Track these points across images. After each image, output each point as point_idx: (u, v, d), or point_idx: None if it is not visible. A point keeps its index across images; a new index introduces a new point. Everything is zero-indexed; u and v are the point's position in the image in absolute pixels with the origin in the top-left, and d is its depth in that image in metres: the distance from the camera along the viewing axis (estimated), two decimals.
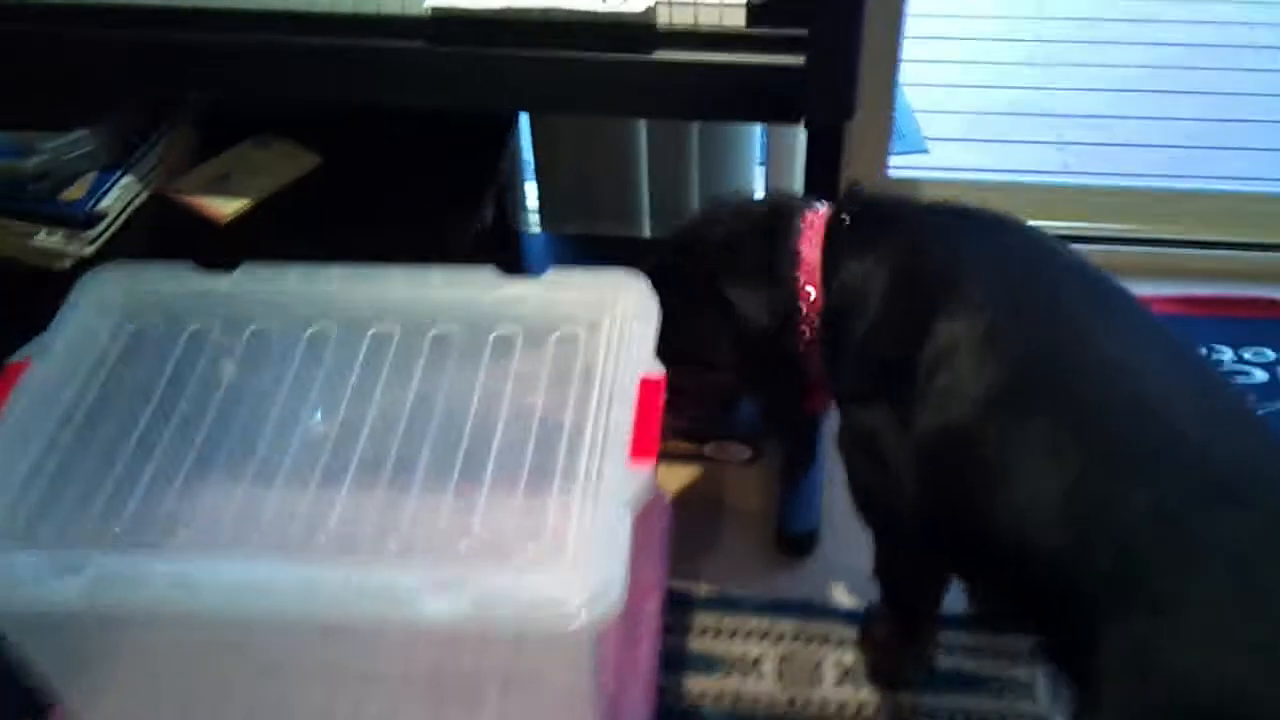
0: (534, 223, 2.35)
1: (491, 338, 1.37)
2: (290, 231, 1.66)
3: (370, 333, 1.39)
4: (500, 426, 1.28)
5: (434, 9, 1.39)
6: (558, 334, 1.37)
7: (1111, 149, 2.79)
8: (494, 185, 1.87)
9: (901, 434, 1.32)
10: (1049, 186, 2.49)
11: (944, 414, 1.26)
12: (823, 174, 1.59)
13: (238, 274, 1.43)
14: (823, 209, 1.47)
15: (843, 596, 1.78)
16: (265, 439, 1.29)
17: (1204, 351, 1.27)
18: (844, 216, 1.43)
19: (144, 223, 1.66)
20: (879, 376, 1.37)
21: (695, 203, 2.22)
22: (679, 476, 1.94)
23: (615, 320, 1.35)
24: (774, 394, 1.57)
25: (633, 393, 1.26)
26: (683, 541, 1.81)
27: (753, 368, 1.53)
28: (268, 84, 1.51)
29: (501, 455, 1.25)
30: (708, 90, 1.42)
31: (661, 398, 1.26)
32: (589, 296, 1.38)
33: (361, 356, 1.37)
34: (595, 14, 1.37)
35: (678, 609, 1.76)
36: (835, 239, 1.42)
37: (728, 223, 1.50)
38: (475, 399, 1.31)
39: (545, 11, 1.38)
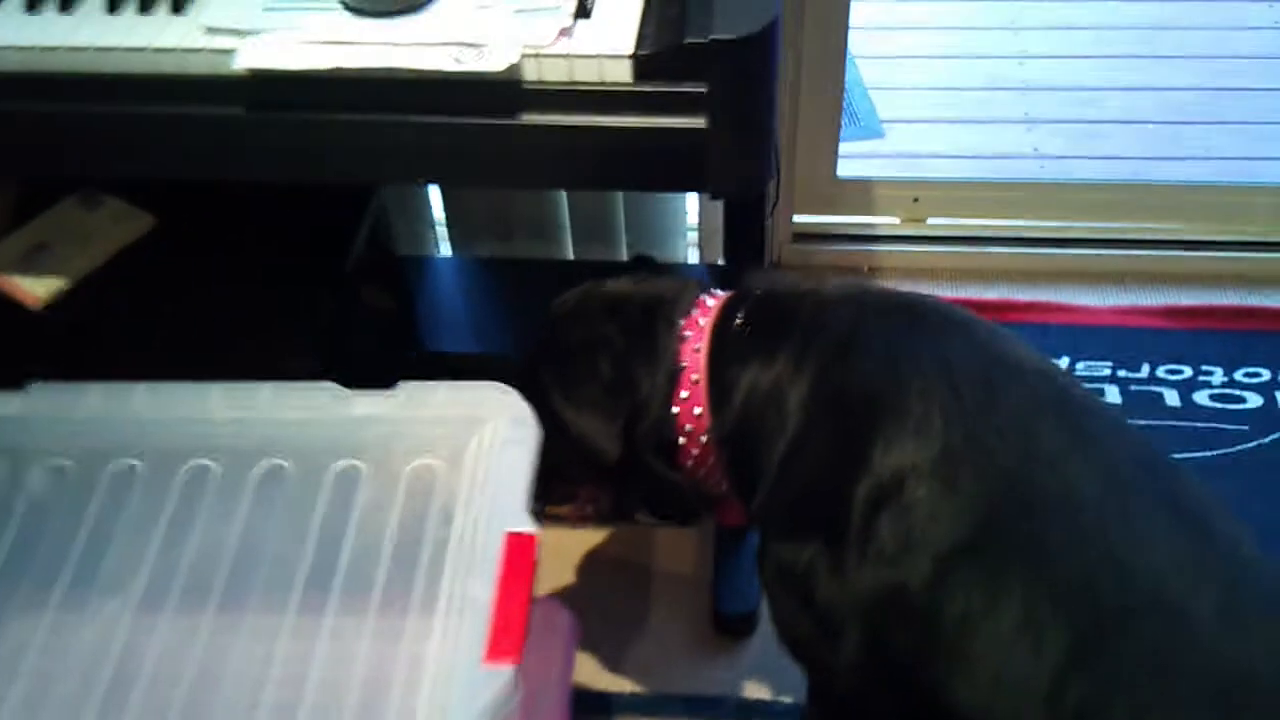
0: (442, 244, 2.09)
1: (330, 476, 1.13)
2: (118, 314, 1.40)
3: (185, 468, 1.14)
4: (331, 609, 1.04)
5: (250, 70, 1.12)
6: (411, 467, 1.12)
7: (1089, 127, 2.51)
8: (366, 215, 1.61)
9: (836, 579, 1.09)
10: (1017, 182, 2.23)
11: (890, 570, 1.04)
12: (742, 239, 1.35)
13: (29, 393, 1.18)
14: (715, 300, 1.21)
15: (784, 690, 1.56)
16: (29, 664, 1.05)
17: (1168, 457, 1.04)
18: (739, 314, 1.18)
19: None
20: (804, 509, 1.13)
21: (621, 218, 1.97)
22: (599, 537, 1.71)
23: (483, 448, 1.11)
24: (665, 511, 1.33)
25: (495, 555, 1.02)
26: (604, 616, 1.61)
27: (629, 490, 1.29)
28: (57, 161, 1.24)
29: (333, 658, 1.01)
30: (588, 157, 1.16)
31: (532, 559, 1.03)
32: (451, 416, 1.14)
33: (171, 506, 1.12)
34: (447, 74, 1.10)
35: (593, 713, 1.54)
36: (729, 340, 1.18)
37: (589, 320, 1.24)
38: (305, 563, 1.07)
39: (387, 71, 1.11)
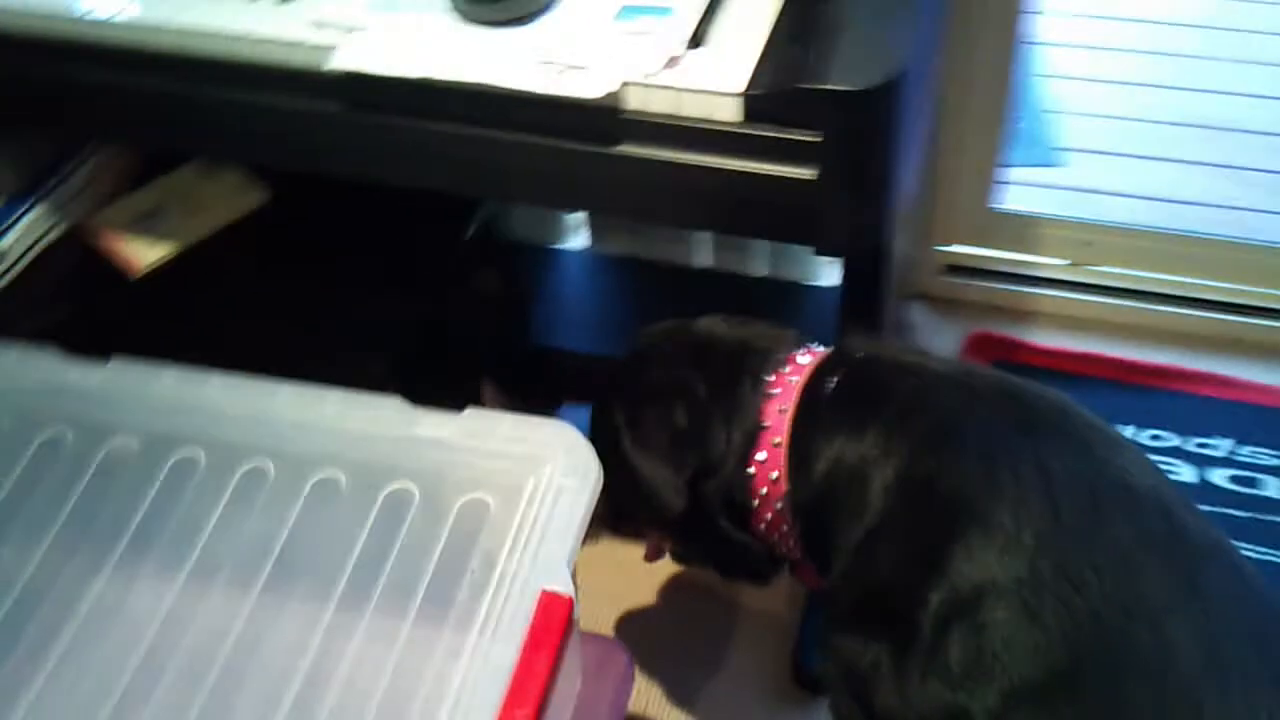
0: (580, 234, 2.03)
1: (383, 495, 1.09)
2: (213, 291, 1.39)
3: (242, 470, 1.12)
4: (359, 632, 1.00)
5: (341, 71, 1.08)
6: (463, 501, 1.07)
7: None
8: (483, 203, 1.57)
9: (898, 688, 1.00)
10: (1206, 238, 2.03)
11: (953, 694, 0.95)
12: (859, 300, 1.25)
13: (109, 368, 1.17)
14: (810, 358, 1.12)
15: None
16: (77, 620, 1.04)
17: None
18: (834, 378, 1.09)
19: (52, 269, 1.41)
20: (874, 605, 1.04)
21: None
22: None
23: (538, 492, 1.05)
24: (732, 572, 1.24)
25: (528, 613, 0.96)
26: (680, 647, 1.56)
27: (694, 546, 1.22)
28: (154, 135, 1.23)
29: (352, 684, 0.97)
30: (689, 196, 1.08)
31: (564, 621, 0.97)
32: (513, 451, 1.09)
33: (225, 500, 1.10)
34: (538, 95, 1.04)
35: None
36: (819, 405, 1.08)
37: (672, 361, 1.16)
38: (339, 585, 1.03)
39: (477, 86, 1.05)
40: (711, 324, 1.20)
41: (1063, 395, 1.08)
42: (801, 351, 1.16)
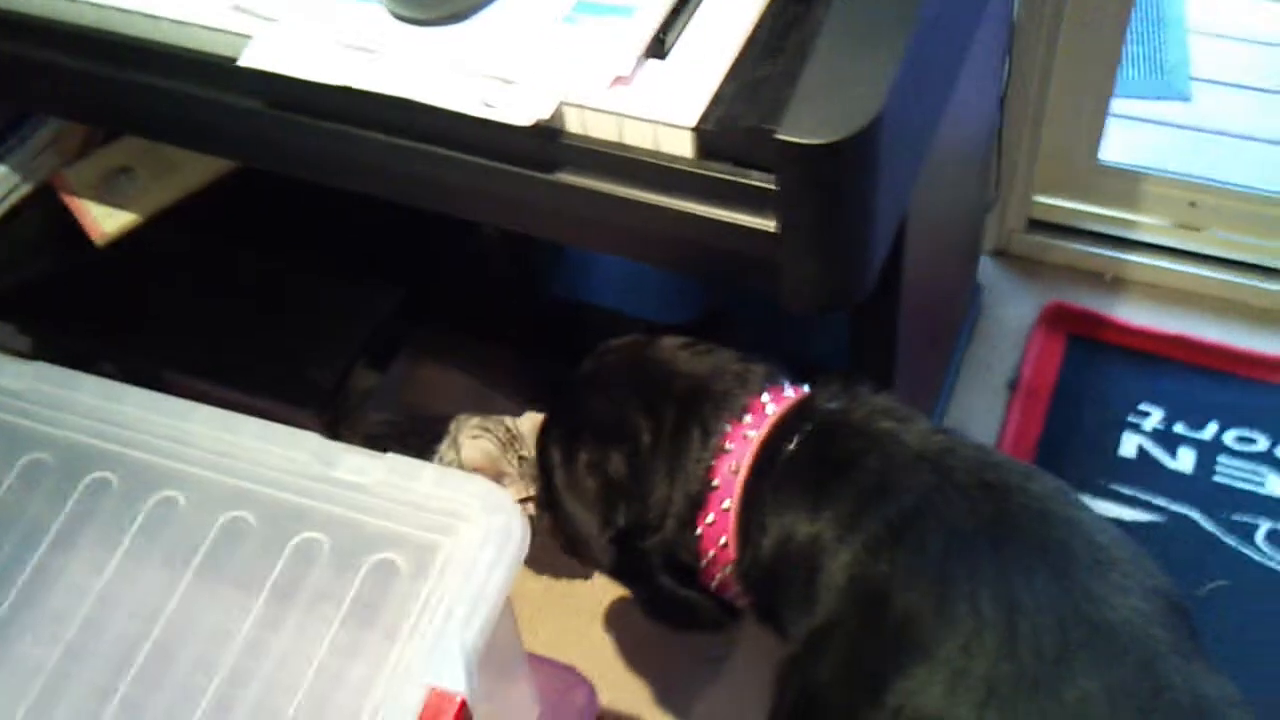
0: None
1: (291, 545, 1.00)
2: (176, 263, 1.30)
3: (155, 498, 1.03)
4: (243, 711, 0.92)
5: (250, 68, 0.95)
6: (374, 560, 0.98)
7: None
8: None
9: None
10: None
11: None
12: (869, 346, 1.10)
13: (32, 370, 1.10)
14: (775, 406, 0.98)
15: None
16: None
17: None
18: (797, 436, 0.95)
19: (19, 229, 1.33)
20: (814, 713, 0.92)
21: None
22: None
23: (451, 560, 0.95)
24: (681, 624, 1.13)
25: (414, 709, 0.87)
26: (679, 650, 1.46)
27: (637, 598, 1.11)
28: (84, 112, 1.13)
29: None
30: (638, 234, 0.93)
31: None
32: (431, 506, 0.98)
33: (133, 530, 1.02)
34: (466, 117, 0.89)
35: None
36: (776, 468, 0.95)
37: (619, 394, 1.03)
38: (231, 652, 0.95)
39: (400, 101, 0.91)
40: (673, 351, 1.06)
41: (1052, 484, 0.92)
42: (769, 394, 1.01)
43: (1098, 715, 0.79)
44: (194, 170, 1.33)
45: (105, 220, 1.29)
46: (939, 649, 0.83)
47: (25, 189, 1.33)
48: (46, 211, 1.33)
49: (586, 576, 1.55)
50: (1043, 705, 0.80)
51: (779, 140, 0.80)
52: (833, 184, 0.82)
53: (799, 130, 0.79)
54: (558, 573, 1.57)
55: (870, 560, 0.89)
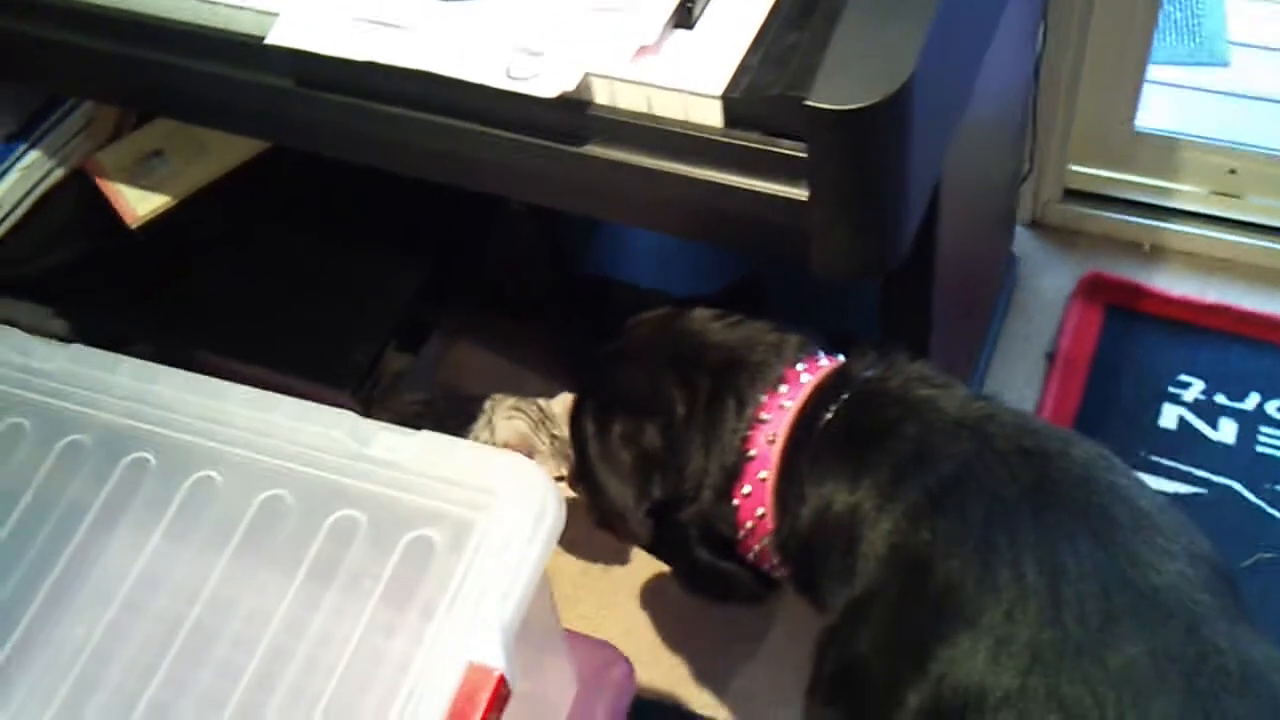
0: None
1: (328, 522, 1.00)
2: (208, 247, 1.30)
3: (191, 479, 1.04)
4: (280, 693, 0.93)
5: (276, 46, 0.95)
6: (410, 537, 0.98)
7: None
8: None
9: None
10: None
11: None
12: (902, 317, 1.09)
13: (68, 352, 1.11)
14: (811, 375, 0.98)
15: None
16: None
17: None
18: (834, 405, 0.94)
19: (55, 213, 1.34)
20: (855, 682, 0.92)
21: None
22: None
23: (487, 536, 0.95)
24: (718, 597, 1.12)
25: (453, 684, 0.87)
26: (717, 628, 1.46)
27: (675, 571, 1.10)
28: (113, 95, 1.13)
29: None
30: (668, 205, 0.93)
31: (492, 697, 0.87)
32: (466, 481, 0.98)
33: (172, 511, 1.03)
34: (492, 90, 0.89)
35: None
36: (814, 437, 0.94)
37: (652, 366, 1.03)
38: (269, 631, 0.96)
39: (427, 75, 0.91)
40: (705, 322, 1.05)
41: (1093, 450, 0.91)
42: (804, 364, 1.00)
43: (1143, 680, 0.78)
44: (225, 152, 1.33)
45: (138, 203, 1.30)
46: (982, 616, 0.82)
47: (59, 174, 1.34)
48: (80, 196, 1.34)
49: (623, 561, 1.55)
50: (1087, 671, 0.79)
51: (810, 107, 0.79)
52: (865, 150, 0.81)
53: (830, 96, 0.79)
54: (594, 553, 1.57)
55: (911, 529, 0.88)
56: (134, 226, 1.30)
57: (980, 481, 0.88)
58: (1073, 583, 0.81)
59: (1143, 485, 0.89)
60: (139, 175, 1.32)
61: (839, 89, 0.79)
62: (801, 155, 0.84)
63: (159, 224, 1.32)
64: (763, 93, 0.84)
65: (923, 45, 0.79)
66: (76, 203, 1.34)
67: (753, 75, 0.86)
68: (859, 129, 0.79)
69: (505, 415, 1.45)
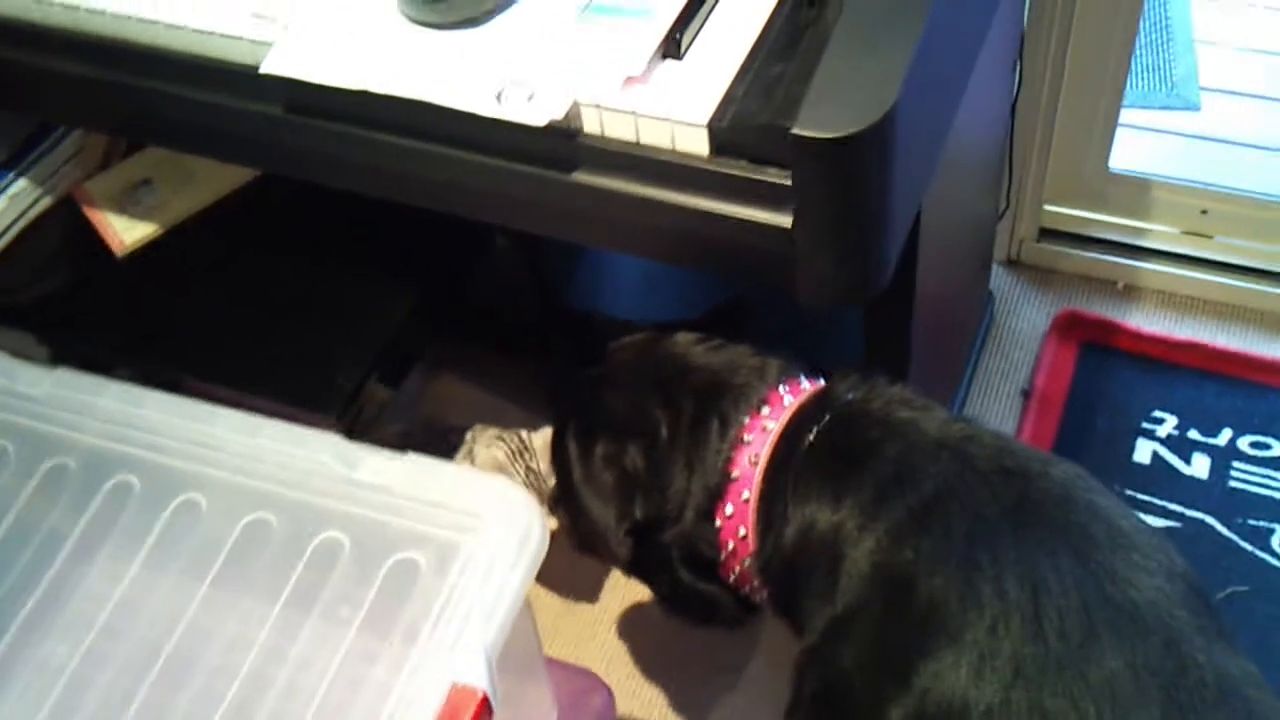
0: None
1: (312, 545, 1.00)
2: (193, 277, 1.31)
3: (175, 502, 1.04)
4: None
5: (269, 75, 0.96)
6: (394, 558, 0.98)
7: None
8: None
9: None
10: None
11: None
12: (882, 347, 1.11)
13: (55, 376, 1.11)
14: (793, 397, 0.99)
15: None
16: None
17: None
18: (816, 427, 0.96)
19: (42, 241, 1.35)
20: (836, 701, 0.93)
21: None
22: None
23: (472, 559, 0.95)
24: (698, 619, 1.13)
25: (435, 707, 0.87)
26: (697, 655, 1.46)
27: (655, 593, 1.11)
28: (104, 123, 1.15)
29: None
30: (654, 232, 0.94)
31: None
32: (452, 504, 0.98)
33: (155, 534, 1.03)
34: (483, 118, 0.91)
35: None
36: (796, 459, 0.95)
37: (635, 389, 1.04)
38: (253, 651, 0.96)
39: (418, 103, 0.92)
40: (687, 345, 1.07)
41: (1072, 470, 0.93)
42: (786, 387, 1.02)
43: (1124, 694, 0.79)
44: (212, 182, 1.34)
45: (126, 232, 1.31)
46: (965, 632, 0.83)
47: (47, 201, 1.35)
48: (67, 224, 1.35)
49: (599, 597, 1.56)
50: (1069, 685, 0.80)
51: (795, 135, 0.81)
52: (849, 178, 0.83)
53: (815, 124, 0.81)
54: (573, 588, 1.57)
55: (894, 547, 0.89)
56: (121, 255, 1.31)
57: (962, 500, 0.89)
58: (1054, 598, 0.83)
59: (1121, 505, 0.90)
60: (127, 204, 1.33)
61: (823, 117, 0.81)
62: (786, 183, 0.86)
63: (144, 252, 1.32)
64: (749, 122, 0.86)
65: (905, 76, 0.81)
66: (64, 231, 1.35)
67: (739, 105, 0.88)
68: (843, 157, 0.81)
69: (486, 444, 1.46)
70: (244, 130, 1.03)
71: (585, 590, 1.57)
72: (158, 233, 1.32)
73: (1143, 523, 0.90)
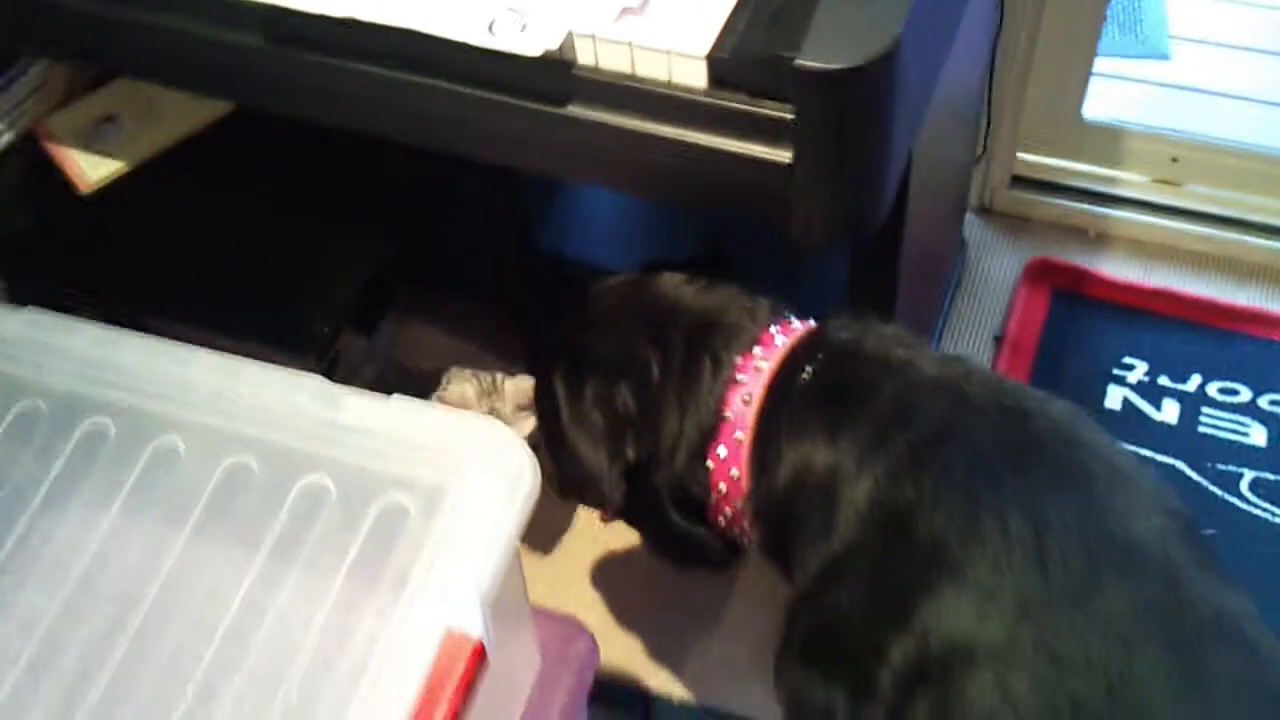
0: None
1: (295, 489, 0.98)
2: (163, 215, 1.27)
3: (152, 445, 1.02)
4: (245, 671, 0.91)
5: (250, 1, 0.93)
6: (380, 502, 0.96)
7: None
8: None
9: None
10: None
11: None
12: (869, 286, 1.09)
13: (24, 317, 1.08)
14: (786, 337, 0.98)
15: None
16: None
17: None
18: (810, 365, 0.94)
19: (5, 179, 1.30)
20: (833, 644, 0.92)
21: None
22: None
23: (462, 500, 0.94)
24: (686, 562, 1.13)
25: (430, 653, 0.86)
26: (671, 609, 1.47)
27: (643, 534, 1.10)
28: (76, 53, 1.10)
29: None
30: (647, 168, 0.92)
31: (471, 666, 0.86)
32: (437, 445, 0.97)
33: (132, 479, 1.00)
34: (472, 47, 0.88)
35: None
36: (790, 397, 0.94)
37: (624, 329, 1.02)
38: (235, 601, 0.94)
39: (406, 32, 0.90)
40: (675, 285, 1.05)
41: (1069, 409, 0.92)
42: (777, 327, 1.01)
43: (1126, 628, 0.79)
44: (181, 118, 1.30)
45: (91, 169, 1.27)
46: (967, 569, 0.83)
47: (8, 138, 1.30)
48: (30, 160, 1.30)
49: (563, 547, 1.55)
50: (1073, 620, 0.80)
51: (799, 66, 0.79)
52: (852, 111, 0.82)
53: (819, 56, 0.79)
54: (544, 531, 1.56)
55: (892, 485, 0.89)
56: (86, 193, 1.27)
57: (962, 438, 0.89)
58: (1056, 534, 0.83)
59: (1116, 443, 0.90)
60: (92, 140, 1.29)
61: (827, 49, 0.79)
62: (787, 117, 0.84)
63: (112, 190, 1.29)
64: (749, 53, 0.84)
65: (910, 7, 0.80)
66: (26, 168, 1.31)
67: (738, 36, 0.86)
68: (847, 89, 0.80)
69: (459, 380, 1.45)
70: (223, 61, 1.00)
71: (555, 536, 1.56)
72: (124, 170, 1.28)
73: (1137, 460, 0.90)
